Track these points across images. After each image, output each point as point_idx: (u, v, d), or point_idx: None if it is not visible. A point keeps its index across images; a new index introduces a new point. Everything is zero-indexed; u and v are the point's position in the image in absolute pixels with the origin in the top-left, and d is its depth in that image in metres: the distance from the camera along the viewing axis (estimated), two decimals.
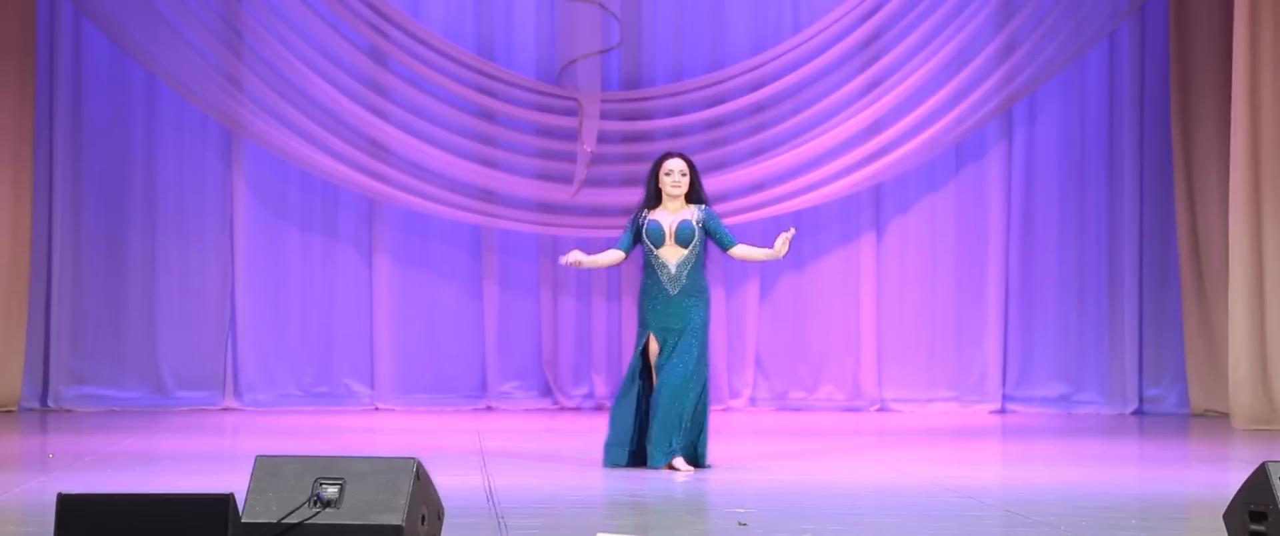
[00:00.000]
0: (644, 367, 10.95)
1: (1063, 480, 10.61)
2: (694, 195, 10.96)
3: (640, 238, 10.89)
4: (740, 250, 11.06)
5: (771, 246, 10.98)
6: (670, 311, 10.82)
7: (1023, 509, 9.02)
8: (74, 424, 14.14)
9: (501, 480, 10.23)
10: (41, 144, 15.27)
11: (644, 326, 10.90)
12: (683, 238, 10.81)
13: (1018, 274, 15.84)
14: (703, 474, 10.71)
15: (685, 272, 10.82)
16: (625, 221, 14.22)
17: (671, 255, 10.82)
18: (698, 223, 10.85)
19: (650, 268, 10.86)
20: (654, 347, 10.85)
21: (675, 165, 10.92)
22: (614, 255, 11.04)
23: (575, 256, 10.98)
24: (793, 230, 11.02)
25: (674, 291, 10.81)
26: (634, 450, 10.94)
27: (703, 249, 10.90)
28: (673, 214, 10.87)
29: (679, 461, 10.75)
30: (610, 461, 10.95)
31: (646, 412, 10.92)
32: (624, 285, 15.75)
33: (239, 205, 15.54)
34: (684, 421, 10.78)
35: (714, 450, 11.42)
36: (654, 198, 10.94)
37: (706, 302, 10.91)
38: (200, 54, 15.25)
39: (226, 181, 15.55)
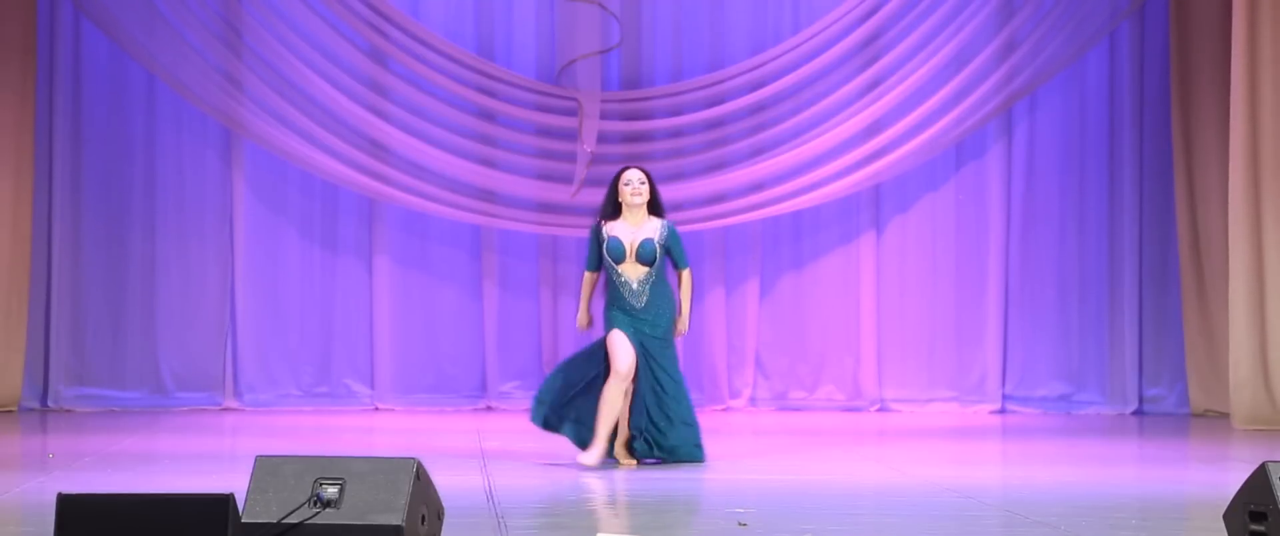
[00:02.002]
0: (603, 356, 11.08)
1: (1063, 480, 10.61)
2: (655, 207, 11.09)
3: (601, 252, 11.04)
4: (686, 279, 11.13)
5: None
6: (639, 321, 10.97)
7: (1023, 509, 9.01)
8: (74, 424, 14.13)
9: (501, 480, 10.22)
10: (41, 144, 15.28)
11: (611, 324, 11.02)
12: (644, 256, 10.94)
13: (1018, 274, 15.84)
14: (703, 474, 10.71)
15: (648, 288, 10.96)
16: None
17: (633, 272, 10.96)
18: (661, 242, 11.01)
19: (613, 284, 11.02)
20: (622, 344, 10.90)
21: (633, 175, 11.06)
22: (589, 281, 11.17)
23: (585, 320, 11.20)
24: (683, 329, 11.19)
25: (639, 304, 10.96)
26: (550, 420, 11.29)
27: (664, 265, 11.07)
28: (634, 227, 10.99)
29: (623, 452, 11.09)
30: (538, 419, 11.33)
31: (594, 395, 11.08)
32: None
33: (239, 205, 15.54)
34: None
35: (714, 450, 11.45)
36: (613, 210, 11.05)
37: (672, 307, 11.07)
38: (200, 54, 15.25)
39: (226, 181, 15.56)
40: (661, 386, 11.00)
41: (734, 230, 15.53)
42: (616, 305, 10.99)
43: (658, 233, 10.99)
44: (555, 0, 15.62)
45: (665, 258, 11.07)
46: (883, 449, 12.83)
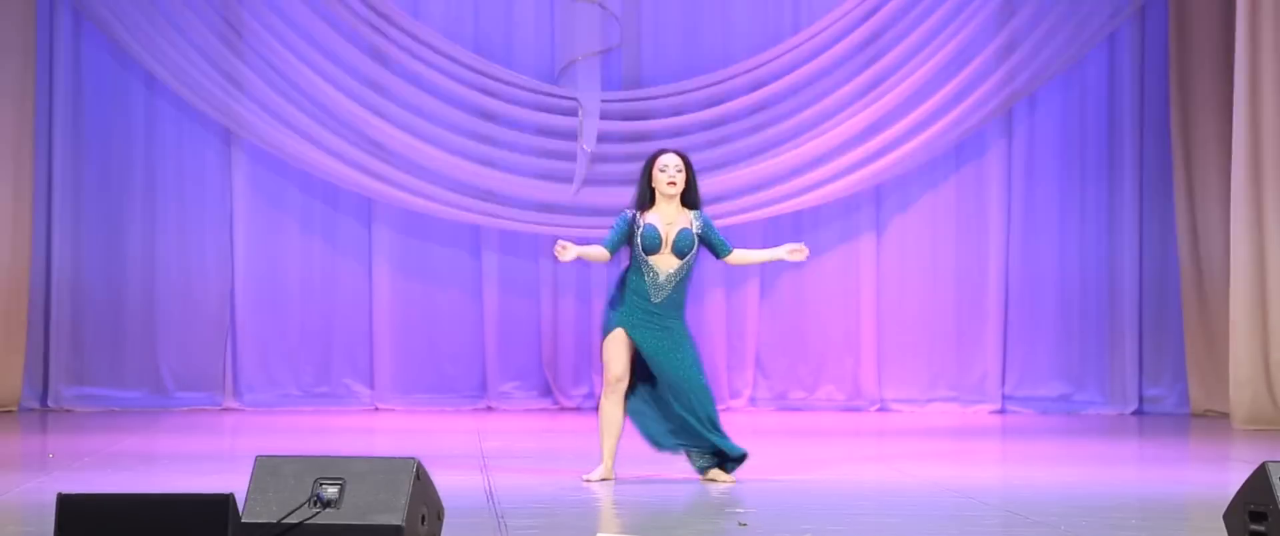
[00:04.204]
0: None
1: (1063, 480, 10.61)
2: (689, 197, 10.12)
3: (632, 240, 10.05)
4: (737, 255, 10.33)
5: (759, 250, 10.55)
6: (648, 322, 10.04)
7: (1023, 509, 9.01)
8: (74, 424, 14.13)
9: (501, 480, 10.22)
10: (41, 144, 15.28)
11: (612, 324, 10.08)
12: (680, 247, 10.02)
13: (1018, 273, 15.85)
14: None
15: (672, 284, 10.02)
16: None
17: (665, 264, 10.02)
18: (697, 233, 10.07)
19: (636, 269, 10.05)
20: (617, 346, 10.05)
21: (670, 161, 10.05)
22: (599, 252, 10.12)
23: (567, 248, 10.03)
24: (805, 248, 10.48)
25: (656, 299, 10.01)
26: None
27: (696, 263, 10.18)
28: (669, 219, 10.04)
29: (718, 473, 10.23)
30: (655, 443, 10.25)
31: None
32: None
33: (239, 205, 15.54)
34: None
35: None
36: (647, 198, 10.09)
37: (684, 318, 10.13)
38: (200, 54, 15.25)
39: (226, 181, 15.56)
40: (687, 381, 10.11)
41: (734, 230, 15.51)
42: (630, 295, 10.02)
43: (693, 223, 10.08)
44: (555, 0, 15.62)
45: (698, 259, 10.15)
46: (883, 449, 12.83)
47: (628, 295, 10.10)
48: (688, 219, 10.14)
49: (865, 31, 15.69)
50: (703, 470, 10.29)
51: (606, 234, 10.22)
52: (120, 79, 15.41)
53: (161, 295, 15.52)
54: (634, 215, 10.12)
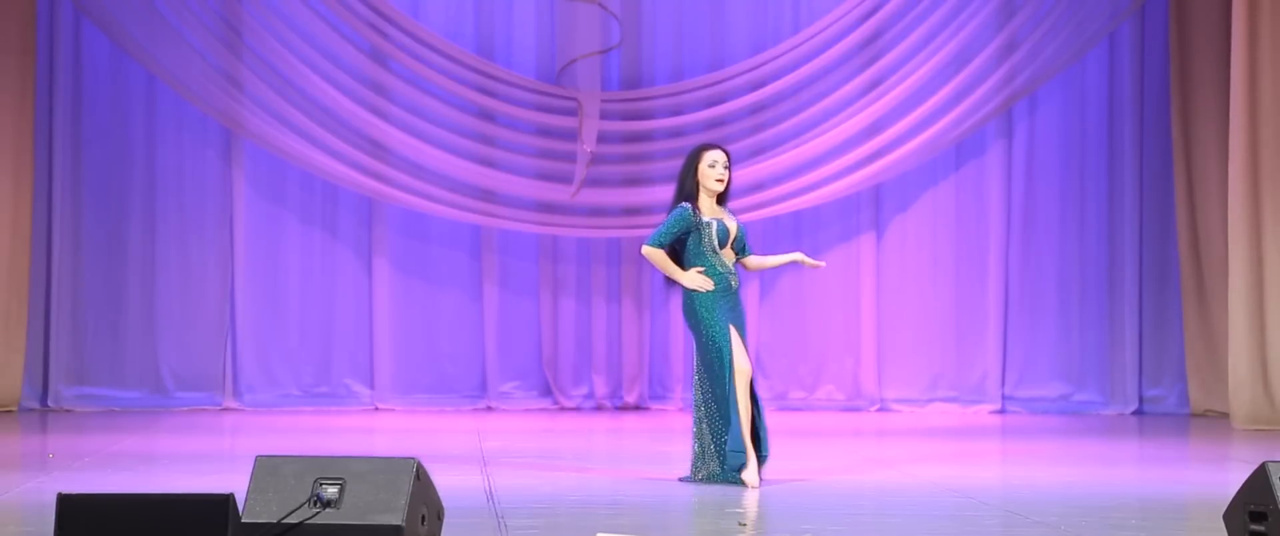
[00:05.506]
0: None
1: (1063, 480, 10.61)
2: (723, 195, 10.15)
3: (698, 236, 10.00)
4: (753, 260, 10.37)
5: (766, 251, 10.55)
6: (739, 308, 10.11)
7: (1023, 509, 9.01)
8: (74, 424, 14.13)
9: (501, 480, 10.22)
10: (41, 144, 15.28)
11: (725, 321, 9.99)
12: (739, 245, 10.15)
13: (1018, 273, 15.85)
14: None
15: (736, 273, 10.15)
16: (624, 222, 14.10)
17: (729, 257, 10.08)
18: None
19: (710, 263, 10.01)
20: (738, 342, 9.99)
21: (719, 156, 10.04)
22: (662, 254, 10.07)
23: (703, 278, 10.06)
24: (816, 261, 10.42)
25: (735, 285, 10.08)
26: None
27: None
28: (720, 215, 10.07)
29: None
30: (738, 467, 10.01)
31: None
32: (623, 285, 15.75)
33: (239, 205, 15.55)
34: None
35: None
36: (692, 192, 10.04)
37: None
38: (200, 54, 15.26)
39: (226, 181, 15.56)
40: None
41: None
42: (722, 288, 10.00)
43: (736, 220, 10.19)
44: (555, 0, 15.62)
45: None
46: (883, 449, 12.82)
47: (722, 291, 10.02)
48: (730, 216, 10.16)
49: (865, 31, 15.69)
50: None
51: (655, 231, 10.06)
52: (120, 79, 15.41)
53: (161, 295, 15.52)
54: (695, 212, 10.02)
